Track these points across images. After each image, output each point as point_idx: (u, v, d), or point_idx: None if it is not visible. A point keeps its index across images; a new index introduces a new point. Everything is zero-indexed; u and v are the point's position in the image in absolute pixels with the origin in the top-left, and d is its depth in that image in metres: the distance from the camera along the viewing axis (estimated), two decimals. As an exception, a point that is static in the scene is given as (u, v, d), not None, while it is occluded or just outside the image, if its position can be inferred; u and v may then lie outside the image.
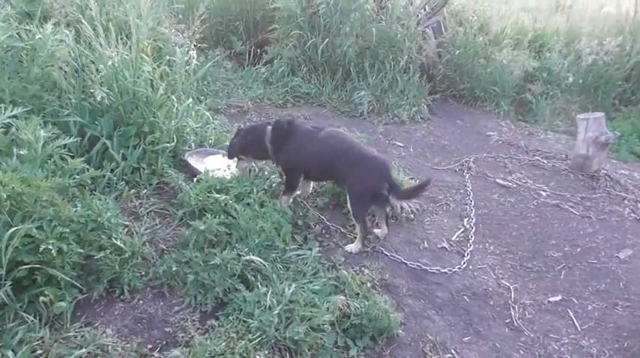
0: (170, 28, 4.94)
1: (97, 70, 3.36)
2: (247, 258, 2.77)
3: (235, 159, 3.81)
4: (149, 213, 3.27)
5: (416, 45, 6.48)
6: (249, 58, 6.71)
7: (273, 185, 3.84)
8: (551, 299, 3.35)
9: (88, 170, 2.85)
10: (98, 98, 3.18)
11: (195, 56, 4.15)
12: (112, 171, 3.32)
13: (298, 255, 3.13)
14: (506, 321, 3.11)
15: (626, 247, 3.96)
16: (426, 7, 6.83)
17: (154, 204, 3.35)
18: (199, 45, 6.04)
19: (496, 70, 6.74)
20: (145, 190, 3.41)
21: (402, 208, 3.85)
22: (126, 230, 2.97)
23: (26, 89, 3.13)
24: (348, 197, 3.46)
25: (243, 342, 2.38)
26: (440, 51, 6.97)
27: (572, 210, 4.44)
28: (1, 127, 2.64)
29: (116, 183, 3.33)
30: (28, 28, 3.32)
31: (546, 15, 7.91)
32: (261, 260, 2.81)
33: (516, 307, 3.23)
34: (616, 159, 5.72)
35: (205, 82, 5.77)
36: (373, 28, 6.10)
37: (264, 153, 3.67)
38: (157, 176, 3.54)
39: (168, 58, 4.19)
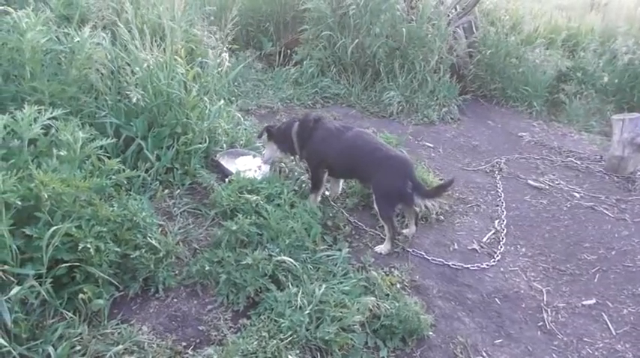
0: (202, 30, 5.03)
1: (132, 72, 3.44)
2: (278, 258, 2.80)
3: (264, 151, 3.93)
4: (182, 212, 3.34)
5: (446, 45, 6.43)
6: (279, 58, 6.76)
7: (303, 186, 3.86)
8: (585, 302, 3.28)
9: (123, 170, 2.92)
10: (134, 100, 3.26)
11: (228, 58, 4.20)
12: (146, 171, 3.40)
13: (328, 256, 3.15)
14: (539, 324, 3.06)
15: (663, 251, 3.83)
16: (457, 7, 6.74)
17: (186, 204, 3.42)
18: (230, 46, 6.13)
19: (528, 70, 6.61)
20: (178, 190, 3.49)
21: (427, 208, 3.83)
22: (160, 229, 3.03)
23: (65, 91, 3.22)
24: (374, 197, 3.49)
25: (275, 342, 2.40)
26: (471, 51, 6.88)
27: (606, 212, 4.33)
28: (42, 129, 2.72)
29: (150, 184, 3.41)
30: (66, 31, 3.42)
31: (581, 14, 7.71)
32: (292, 260, 2.84)
33: (549, 310, 3.17)
34: (654, 161, 5.53)
35: (236, 83, 5.84)
36: (403, 29, 6.06)
37: (290, 146, 3.76)
38: (189, 176, 3.61)
39: (200, 59, 4.26)
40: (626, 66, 6.61)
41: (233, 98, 5.24)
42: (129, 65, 3.53)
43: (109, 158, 2.95)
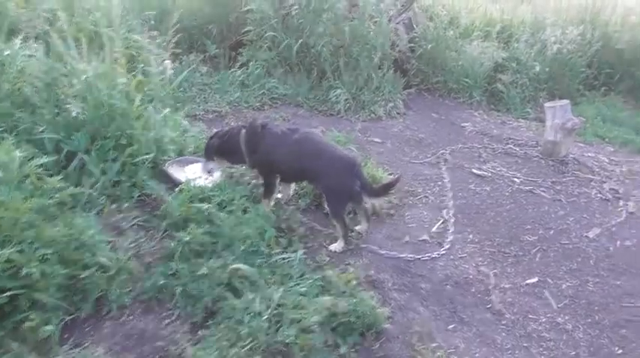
0: (143, 36, 4.93)
1: (70, 83, 3.32)
2: (233, 266, 2.81)
3: (212, 163, 3.84)
4: (132, 226, 3.26)
5: (389, 41, 6.56)
6: (224, 61, 6.69)
7: (255, 190, 3.87)
8: (528, 281, 3.48)
9: (67, 188, 2.83)
10: (73, 114, 3.16)
11: (171, 64, 4.12)
12: (91, 186, 3.30)
13: (284, 259, 3.17)
14: (488, 306, 3.22)
15: (594, 226, 4.14)
16: (397, 4, 6.89)
17: (136, 218, 3.34)
18: (173, 51, 6.00)
19: (467, 62, 6.85)
20: (127, 204, 3.40)
21: (375, 206, 3.92)
22: (110, 245, 2.97)
23: (-4, 107, 3.10)
24: (324, 198, 3.58)
25: (236, 350, 2.42)
26: (412, 46, 7.04)
27: (544, 194, 4.59)
28: (-27, 149, 2.60)
29: (97, 199, 3.31)
30: (-6, 43, 3.28)
31: (513, 6, 8.05)
32: (247, 267, 2.85)
33: (497, 292, 3.34)
34: (583, 143, 5.90)
35: (181, 89, 5.73)
36: (346, 27, 6.14)
37: (239, 156, 3.73)
38: (138, 188, 3.53)
39: (142, 66, 4.16)
40: (555, 55, 6.99)
41: (179, 104, 5.14)
42: (66, 77, 3.41)
43: (50, 176, 2.86)
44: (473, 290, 3.35)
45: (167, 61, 4.06)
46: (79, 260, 2.64)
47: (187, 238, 2.93)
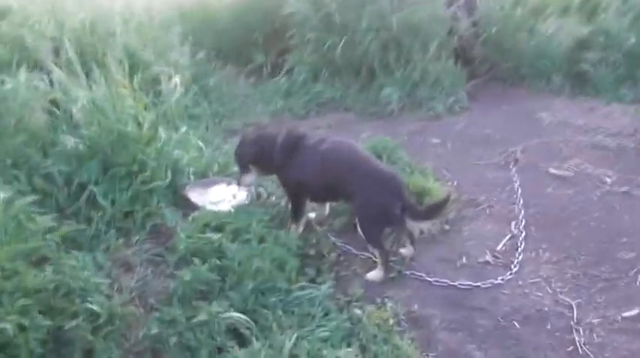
0: (176, 52, 4.79)
1: (72, 112, 3.14)
2: (225, 315, 2.37)
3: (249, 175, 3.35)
4: (142, 261, 2.99)
5: (446, 28, 5.87)
6: (268, 69, 6.41)
7: (282, 211, 3.44)
8: (625, 314, 2.71)
9: (58, 228, 2.60)
10: (68, 146, 2.95)
11: (178, 82, 3.83)
12: (101, 219, 3.08)
13: (307, 294, 2.70)
14: (569, 349, 2.52)
15: None
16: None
17: (148, 251, 3.06)
18: (214, 63, 5.84)
19: (542, 43, 5.95)
20: (138, 236, 3.13)
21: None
22: (115, 286, 2.69)
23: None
24: (357, 219, 3.03)
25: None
26: (475, 30, 6.26)
27: (646, 196, 3.68)
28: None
29: (106, 233, 3.08)
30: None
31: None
32: (240, 315, 2.40)
33: (581, 329, 2.62)
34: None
35: (222, 102, 5.51)
36: (393, 18, 5.56)
37: (270, 168, 3.27)
38: (151, 218, 3.26)
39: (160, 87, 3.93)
40: (655, 22, 5.85)
41: (217, 120, 4.88)
42: (75, 102, 3.24)
43: (59, 211, 2.66)
44: (548, 326, 2.66)
45: (175, 79, 3.76)
46: (66, 308, 2.37)
47: (188, 277, 2.57)
